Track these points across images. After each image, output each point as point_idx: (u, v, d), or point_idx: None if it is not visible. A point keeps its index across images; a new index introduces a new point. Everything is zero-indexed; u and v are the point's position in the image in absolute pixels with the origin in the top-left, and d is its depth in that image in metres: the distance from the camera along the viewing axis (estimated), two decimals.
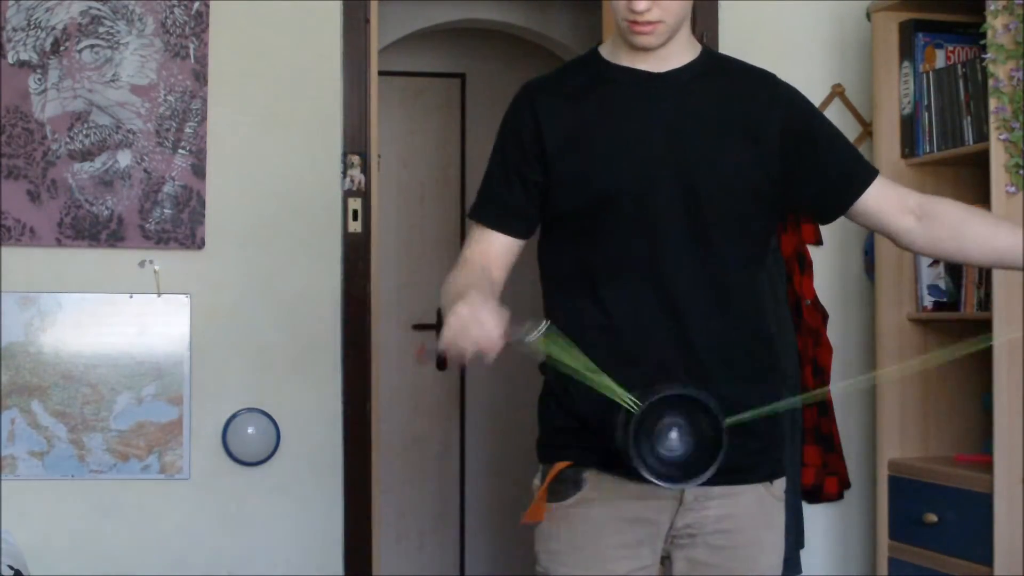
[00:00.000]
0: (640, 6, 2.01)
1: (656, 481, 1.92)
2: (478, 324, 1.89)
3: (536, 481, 2.16)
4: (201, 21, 3.60)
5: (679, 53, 2.13)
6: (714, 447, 1.93)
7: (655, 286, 2.07)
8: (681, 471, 1.94)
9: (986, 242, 2.13)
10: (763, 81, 2.19)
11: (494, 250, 2.17)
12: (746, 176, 2.10)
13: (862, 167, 2.20)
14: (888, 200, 2.17)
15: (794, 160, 2.13)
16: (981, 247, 2.14)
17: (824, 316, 3.83)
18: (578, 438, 2.10)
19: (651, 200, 2.07)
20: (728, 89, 2.15)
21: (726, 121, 2.11)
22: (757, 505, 2.14)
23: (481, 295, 1.95)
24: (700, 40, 2.25)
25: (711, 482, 2.04)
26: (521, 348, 1.94)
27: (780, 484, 2.19)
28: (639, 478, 1.98)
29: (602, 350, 2.03)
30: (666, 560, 2.16)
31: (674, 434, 1.94)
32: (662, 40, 2.07)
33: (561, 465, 2.11)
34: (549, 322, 1.97)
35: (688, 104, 2.11)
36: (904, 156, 3.50)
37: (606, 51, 2.17)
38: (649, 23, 2.03)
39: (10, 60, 3.52)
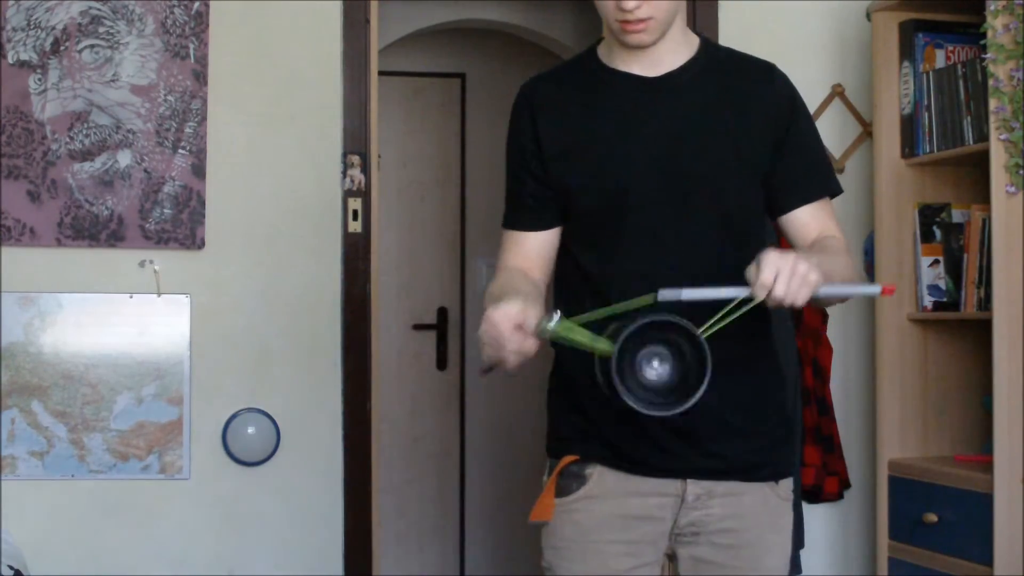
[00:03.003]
0: (629, 4, 1.98)
1: (644, 409, 1.87)
2: (509, 331, 1.88)
3: (545, 477, 2.17)
4: (201, 21, 3.60)
5: (674, 52, 2.11)
6: (699, 368, 1.87)
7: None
8: (669, 397, 1.88)
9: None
10: (762, 74, 2.16)
11: (527, 250, 2.18)
12: (747, 174, 2.10)
13: (812, 184, 2.16)
14: (807, 230, 2.14)
15: (777, 153, 2.12)
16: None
17: (824, 316, 3.83)
18: (582, 432, 2.11)
19: (648, 208, 2.07)
20: (726, 87, 2.12)
21: (725, 121, 2.10)
22: (762, 505, 2.14)
23: (510, 300, 1.92)
24: (706, 39, 2.21)
25: (716, 478, 2.06)
26: (544, 337, 1.92)
27: (787, 485, 2.19)
28: (643, 470, 2.02)
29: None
30: (673, 558, 2.16)
31: (656, 362, 1.88)
32: (655, 37, 2.05)
33: (568, 459, 2.11)
34: (559, 313, 1.93)
35: (685, 108, 2.10)
36: (904, 156, 3.50)
37: (603, 53, 2.16)
38: (640, 20, 2.01)
39: (10, 60, 3.52)
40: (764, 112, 2.12)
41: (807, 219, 2.16)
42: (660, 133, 2.09)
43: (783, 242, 2.19)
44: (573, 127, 2.11)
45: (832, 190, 2.19)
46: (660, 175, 2.07)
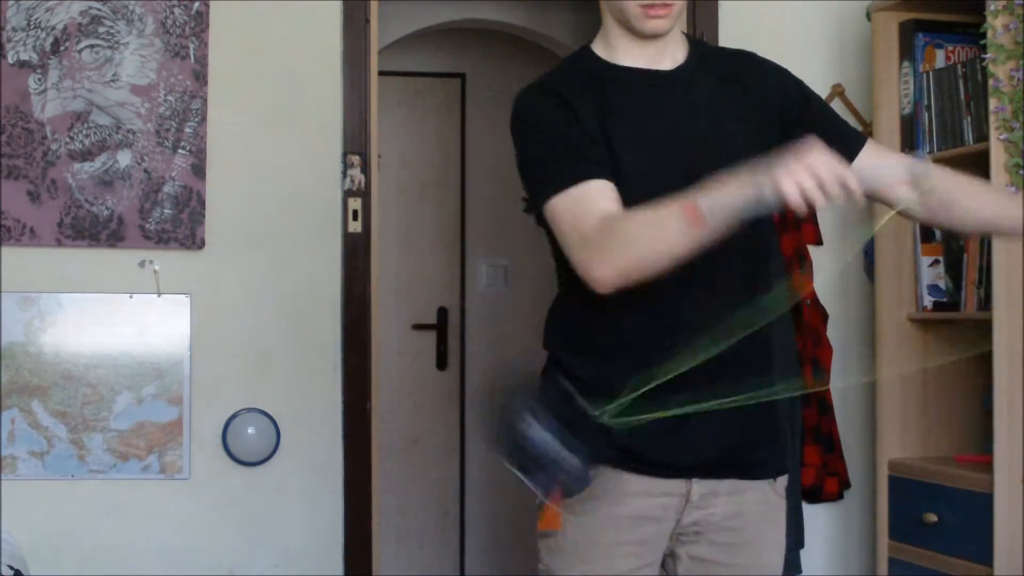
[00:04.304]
0: None
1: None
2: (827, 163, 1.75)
3: None
4: (201, 21, 3.60)
5: (675, 47, 2.13)
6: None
7: (682, 287, 2.04)
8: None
9: (975, 213, 2.14)
10: (748, 59, 2.20)
11: (605, 196, 1.99)
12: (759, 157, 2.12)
13: (852, 131, 2.21)
14: (883, 159, 2.15)
15: (794, 125, 2.11)
16: (972, 217, 2.15)
17: (824, 316, 3.83)
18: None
19: (666, 198, 2.07)
20: (724, 75, 2.15)
21: (732, 107, 2.11)
22: (762, 503, 2.14)
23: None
24: (694, 36, 2.25)
25: (720, 475, 2.07)
26: None
27: (783, 482, 2.19)
28: (649, 470, 2.03)
29: (626, 348, 2.05)
30: (669, 558, 2.15)
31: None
32: (672, 24, 2.08)
33: None
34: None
35: (697, 98, 2.11)
36: None
37: (601, 51, 2.15)
38: (665, 5, 2.04)
39: (10, 60, 3.52)
40: (766, 96, 2.14)
41: (874, 152, 2.16)
42: (681, 122, 2.09)
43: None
44: (596, 116, 2.07)
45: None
46: (679, 168, 2.06)
